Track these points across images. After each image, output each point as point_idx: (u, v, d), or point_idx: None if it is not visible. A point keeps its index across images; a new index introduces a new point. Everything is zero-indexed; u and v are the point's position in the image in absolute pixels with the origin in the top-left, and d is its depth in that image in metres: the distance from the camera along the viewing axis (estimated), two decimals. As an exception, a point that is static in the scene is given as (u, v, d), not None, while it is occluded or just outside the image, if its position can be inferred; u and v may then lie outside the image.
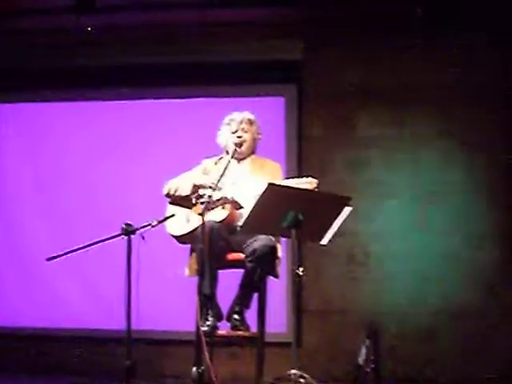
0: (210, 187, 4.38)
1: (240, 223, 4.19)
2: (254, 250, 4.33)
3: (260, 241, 4.34)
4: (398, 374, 5.52)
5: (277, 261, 4.47)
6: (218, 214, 4.49)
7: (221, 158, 4.77)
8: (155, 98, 6.46)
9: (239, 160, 4.75)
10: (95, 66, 6.50)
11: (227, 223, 4.47)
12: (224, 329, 4.42)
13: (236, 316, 4.42)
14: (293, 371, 3.92)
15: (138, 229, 4.50)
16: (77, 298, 6.33)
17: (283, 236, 4.34)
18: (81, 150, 6.53)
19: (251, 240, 4.38)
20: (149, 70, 6.44)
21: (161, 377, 5.21)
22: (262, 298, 4.46)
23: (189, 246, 4.58)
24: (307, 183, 4.24)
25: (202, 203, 4.34)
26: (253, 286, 4.43)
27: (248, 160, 4.77)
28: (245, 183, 4.53)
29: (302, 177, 4.42)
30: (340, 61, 6.24)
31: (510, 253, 6.00)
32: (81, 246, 4.68)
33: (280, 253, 4.52)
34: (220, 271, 4.44)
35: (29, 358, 6.08)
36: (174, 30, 6.29)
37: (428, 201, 6.09)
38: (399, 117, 6.20)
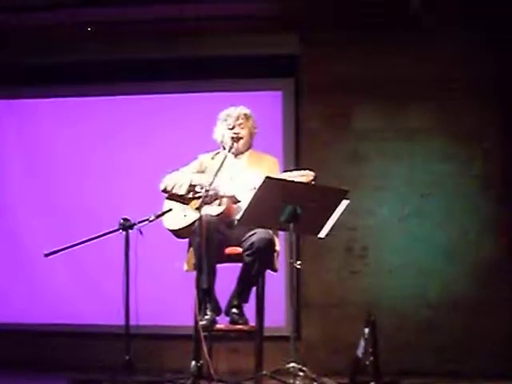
0: (206, 188, 4.35)
1: (237, 217, 4.20)
2: (252, 244, 4.33)
3: (258, 234, 4.33)
4: (397, 366, 5.53)
5: (275, 254, 4.48)
6: (215, 209, 4.50)
7: (217, 153, 4.77)
8: (151, 93, 6.45)
9: (236, 155, 4.74)
10: (87, 61, 6.49)
11: (225, 217, 4.47)
12: (222, 323, 4.42)
13: (234, 310, 4.42)
14: (291, 364, 3.93)
15: (135, 224, 4.52)
16: (75, 294, 6.32)
17: (281, 229, 4.34)
18: (77, 145, 6.52)
19: (249, 234, 4.38)
20: (144, 64, 6.43)
21: (160, 371, 5.20)
22: (261, 292, 4.46)
23: (187, 240, 4.57)
24: (304, 176, 4.24)
25: (198, 197, 4.34)
26: (251, 280, 4.43)
27: (245, 155, 4.76)
28: (242, 177, 4.52)
29: (299, 170, 4.42)
30: (337, 55, 6.23)
31: (507, 245, 6.01)
32: (79, 241, 4.70)
33: (278, 246, 4.52)
34: (218, 265, 4.43)
35: (26, 354, 6.08)
36: (171, 24, 6.27)
37: (424, 193, 6.10)
38: (396, 110, 6.21)
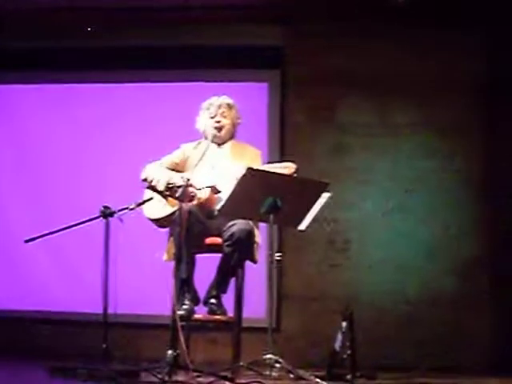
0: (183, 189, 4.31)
1: (218, 207, 4.18)
2: (232, 235, 4.32)
3: (238, 225, 4.32)
4: (376, 360, 5.53)
5: (255, 245, 4.48)
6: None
7: (200, 143, 4.75)
8: (135, 82, 6.41)
9: (219, 144, 4.73)
10: (76, 48, 6.45)
11: (205, 207, 4.45)
12: (201, 313, 4.41)
13: (213, 300, 4.42)
14: (268, 356, 3.93)
15: (116, 211, 4.49)
16: (54, 281, 6.30)
17: (261, 221, 4.33)
18: (61, 133, 6.48)
19: (229, 224, 4.37)
20: (129, 53, 6.40)
21: (137, 360, 5.18)
22: (240, 283, 4.45)
23: (167, 230, 4.55)
24: (286, 168, 4.22)
25: (178, 187, 4.31)
26: (230, 271, 4.42)
27: (228, 144, 4.75)
28: (224, 166, 4.51)
29: (282, 162, 4.41)
30: (323, 47, 6.23)
31: (487, 241, 6.03)
32: (59, 228, 4.67)
33: (258, 238, 4.52)
34: (198, 255, 4.42)
35: (3, 341, 6.04)
36: (157, 14, 6.23)
37: (408, 189, 6.12)
38: (381, 104, 6.22)
